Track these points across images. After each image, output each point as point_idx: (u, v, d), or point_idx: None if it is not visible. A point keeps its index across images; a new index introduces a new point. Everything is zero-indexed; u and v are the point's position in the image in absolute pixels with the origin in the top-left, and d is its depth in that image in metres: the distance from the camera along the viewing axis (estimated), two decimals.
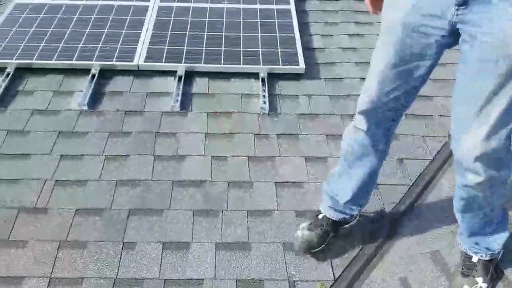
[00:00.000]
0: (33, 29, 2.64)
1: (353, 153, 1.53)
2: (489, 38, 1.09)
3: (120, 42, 2.54)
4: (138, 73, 2.44)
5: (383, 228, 1.78)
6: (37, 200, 1.81)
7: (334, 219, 1.66)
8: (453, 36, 1.19)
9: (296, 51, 2.50)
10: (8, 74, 2.38)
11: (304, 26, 2.79)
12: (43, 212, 1.77)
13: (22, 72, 2.43)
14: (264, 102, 2.26)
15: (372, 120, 1.43)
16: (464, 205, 1.39)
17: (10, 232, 1.69)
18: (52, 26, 2.65)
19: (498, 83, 1.12)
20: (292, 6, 2.83)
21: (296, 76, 2.46)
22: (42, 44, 2.52)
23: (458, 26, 1.15)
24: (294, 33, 2.62)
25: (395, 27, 1.25)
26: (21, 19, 2.71)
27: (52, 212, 1.77)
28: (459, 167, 1.30)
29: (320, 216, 1.67)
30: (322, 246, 1.64)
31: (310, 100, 2.34)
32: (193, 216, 1.78)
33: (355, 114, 1.49)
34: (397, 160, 2.03)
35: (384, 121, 1.44)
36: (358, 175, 1.56)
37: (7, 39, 2.55)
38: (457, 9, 1.13)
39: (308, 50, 2.63)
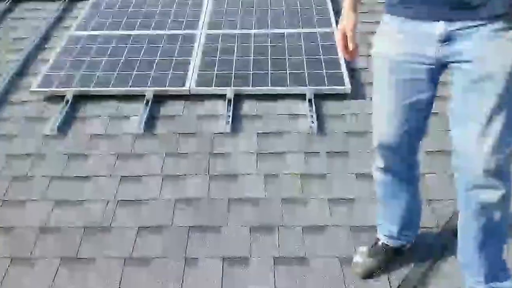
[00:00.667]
0: (89, 58, 2.85)
1: (380, 193, 1.64)
2: (472, 66, 1.24)
3: (171, 68, 2.71)
4: (190, 97, 2.59)
5: (436, 242, 1.80)
6: (102, 219, 1.94)
7: (392, 246, 1.71)
8: (441, 69, 1.33)
9: (341, 71, 2.59)
10: (68, 101, 2.58)
11: None
12: (108, 230, 1.89)
13: (81, 99, 2.62)
14: (312, 122, 2.35)
15: (387, 157, 1.52)
16: (482, 232, 1.39)
17: (78, 250, 1.82)
18: (107, 55, 2.86)
19: (493, 103, 1.23)
20: (334, 29, 2.94)
21: (342, 96, 2.54)
22: (98, 73, 2.72)
23: (443, 60, 1.29)
24: (338, 55, 2.72)
25: (385, 65, 1.39)
26: (77, 50, 2.94)
27: (116, 231, 1.89)
28: (469, 188, 1.33)
29: (379, 243, 1.72)
30: (379, 271, 1.69)
31: (357, 118, 2.41)
32: (250, 232, 1.86)
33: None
34: (450, 175, 2.05)
35: (400, 156, 1.50)
36: (395, 209, 1.63)
37: (65, 69, 2.77)
38: (440, 46, 1.27)
39: (353, 70, 2.72)
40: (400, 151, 1.49)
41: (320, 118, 2.42)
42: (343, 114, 2.44)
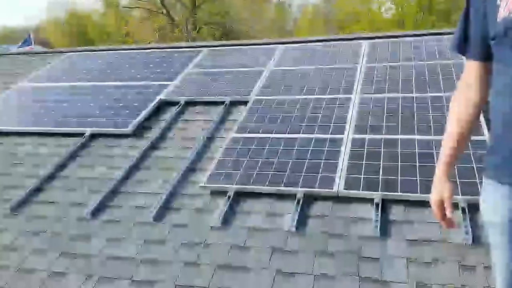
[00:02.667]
0: (247, 158, 3.34)
1: None
2: None
3: (320, 171, 3.03)
4: (338, 199, 2.84)
5: None
6: None
7: None
8: None
9: None
10: (229, 197, 3.03)
11: None
12: None
13: (240, 195, 3.05)
14: (466, 232, 2.38)
15: None
16: None
17: None
18: (263, 156, 3.32)
19: None
20: (486, 137, 3.00)
21: None
22: (256, 172, 3.16)
23: None
24: None
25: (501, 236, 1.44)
26: (237, 150, 3.47)
27: None
28: None
29: None
30: None
31: None
32: None
33: None
34: None
35: None
36: None
37: (228, 167, 3.28)
38: None
39: None
40: None
41: (474, 228, 2.44)
42: None
